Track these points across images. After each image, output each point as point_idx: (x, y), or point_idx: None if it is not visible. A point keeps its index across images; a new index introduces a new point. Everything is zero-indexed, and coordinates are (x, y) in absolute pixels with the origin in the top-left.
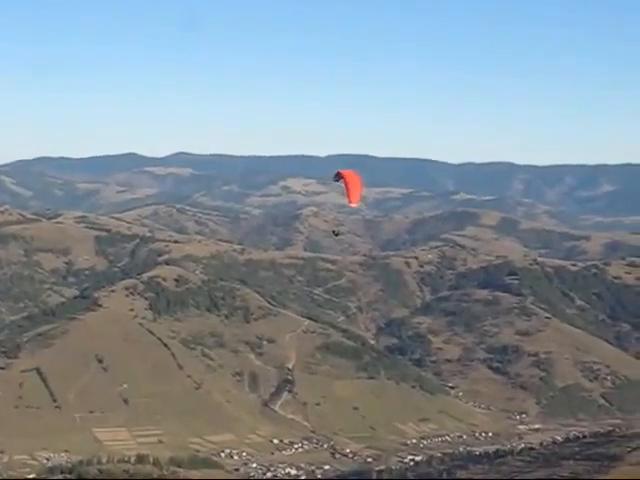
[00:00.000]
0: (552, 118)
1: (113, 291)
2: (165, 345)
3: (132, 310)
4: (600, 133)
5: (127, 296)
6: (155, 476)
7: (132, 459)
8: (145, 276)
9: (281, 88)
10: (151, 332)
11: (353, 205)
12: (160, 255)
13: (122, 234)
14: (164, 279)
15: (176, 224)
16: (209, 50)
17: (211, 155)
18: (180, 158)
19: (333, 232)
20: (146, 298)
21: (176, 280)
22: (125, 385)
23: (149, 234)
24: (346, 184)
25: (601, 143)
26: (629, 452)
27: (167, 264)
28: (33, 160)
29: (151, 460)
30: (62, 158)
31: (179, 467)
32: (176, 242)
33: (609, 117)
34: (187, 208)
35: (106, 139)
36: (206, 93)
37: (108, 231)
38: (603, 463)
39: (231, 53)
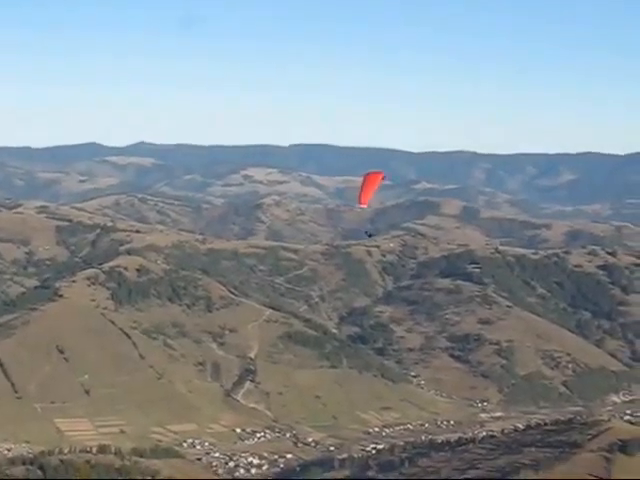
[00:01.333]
0: (512, 107)
1: (74, 281)
2: (127, 335)
3: (93, 300)
4: (561, 122)
5: (88, 286)
6: (117, 466)
7: (94, 449)
8: (106, 266)
9: (243, 78)
10: (113, 322)
11: (361, 206)
12: (122, 245)
13: (83, 224)
14: (125, 269)
15: (138, 214)
16: (176, 40)
17: (173, 145)
18: (141, 148)
19: (366, 232)
20: (108, 288)
21: (138, 270)
22: (86, 375)
23: (110, 224)
24: (362, 184)
25: (562, 132)
26: (590, 439)
27: (129, 254)
28: None
29: (113, 450)
30: (22, 147)
31: (141, 457)
32: (138, 232)
33: (570, 106)
34: (149, 198)
35: (67, 129)
36: (167, 82)
37: (69, 221)
38: (564, 450)
39: (195, 42)
